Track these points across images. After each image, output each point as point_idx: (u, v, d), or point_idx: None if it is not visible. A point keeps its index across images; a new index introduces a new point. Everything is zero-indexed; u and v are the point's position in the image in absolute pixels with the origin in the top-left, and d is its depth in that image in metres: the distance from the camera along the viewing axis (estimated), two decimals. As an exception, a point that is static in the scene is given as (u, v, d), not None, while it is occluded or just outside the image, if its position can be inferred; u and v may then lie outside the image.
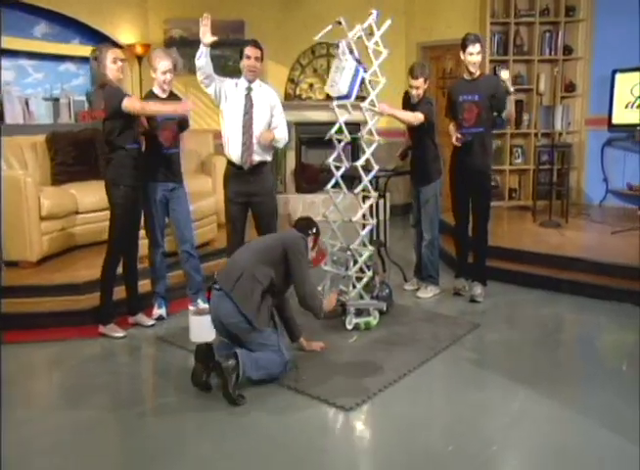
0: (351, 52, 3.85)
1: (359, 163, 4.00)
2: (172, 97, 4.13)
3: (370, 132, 4.07)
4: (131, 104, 3.68)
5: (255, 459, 2.59)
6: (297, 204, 7.62)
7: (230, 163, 4.02)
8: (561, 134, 6.94)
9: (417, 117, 4.42)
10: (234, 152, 3.98)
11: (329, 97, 4.13)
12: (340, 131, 4.08)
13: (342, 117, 4.08)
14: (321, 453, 2.65)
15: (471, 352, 3.72)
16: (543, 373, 3.40)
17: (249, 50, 3.92)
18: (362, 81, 3.89)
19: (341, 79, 3.80)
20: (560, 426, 2.83)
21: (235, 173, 4.00)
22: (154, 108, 3.79)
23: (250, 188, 3.99)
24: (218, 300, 3.18)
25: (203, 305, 4.14)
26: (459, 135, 4.44)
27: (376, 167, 4.05)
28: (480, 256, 4.65)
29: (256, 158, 3.99)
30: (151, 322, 4.14)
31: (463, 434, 2.77)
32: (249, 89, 3.99)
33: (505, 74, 4.44)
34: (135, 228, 3.98)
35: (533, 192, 6.70)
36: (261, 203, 4.08)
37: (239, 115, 3.93)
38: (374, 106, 4.06)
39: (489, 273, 4.74)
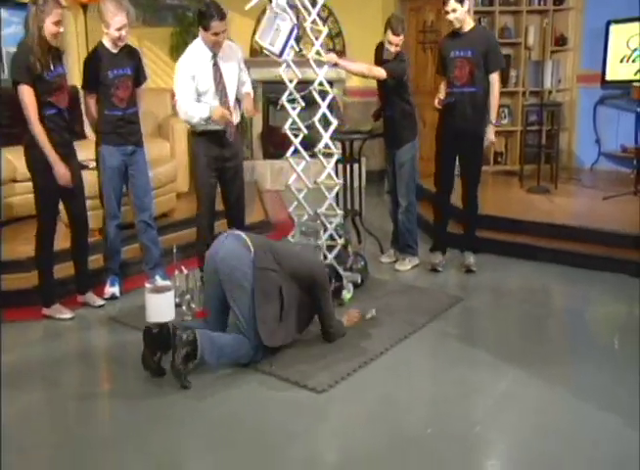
0: (292, 7, 3.83)
1: (316, 118, 3.95)
2: (126, 50, 4.01)
3: (321, 84, 3.99)
4: (21, 96, 3.47)
5: (219, 446, 2.54)
6: (264, 170, 7.55)
7: (204, 132, 3.97)
8: (550, 92, 6.88)
9: (374, 72, 4.34)
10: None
11: (300, 51, 4.07)
12: (293, 100, 4.07)
13: (294, 79, 4.06)
14: (290, 438, 2.62)
15: (453, 327, 3.71)
16: (532, 350, 3.39)
17: (217, 26, 3.77)
18: (296, 39, 3.93)
19: (277, 40, 3.83)
20: (550, 406, 2.82)
21: (210, 138, 3.97)
22: (32, 116, 3.49)
23: (224, 152, 4.02)
24: (232, 240, 3.16)
25: (161, 281, 4.04)
26: (441, 97, 4.40)
27: (334, 122, 3.99)
28: (471, 223, 4.66)
29: (235, 121, 4.05)
30: (101, 302, 4.04)
31: (445, 415, 2.75)
32: (214, 58, 3.91)
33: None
34: (72, 197, 3.81)
35: (520, 155, 6.69)
36: (234, 168, 4.12)
37: (210, 86, 3.90)
38: (320, 55, 4.03)
39: (477, 244, 4.72)
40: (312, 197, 4.18)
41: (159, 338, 3.07)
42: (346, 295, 4.00)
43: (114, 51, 3.95)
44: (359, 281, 4.12)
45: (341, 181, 4.21)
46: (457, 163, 4.58)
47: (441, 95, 4.46)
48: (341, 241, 4.07)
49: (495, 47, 4.37)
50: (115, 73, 3.93)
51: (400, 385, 3.05)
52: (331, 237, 4.06)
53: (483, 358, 3.27)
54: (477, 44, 4.30)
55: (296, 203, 4.22)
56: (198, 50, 3.90)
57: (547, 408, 2.81)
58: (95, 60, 3.93)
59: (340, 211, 4.11)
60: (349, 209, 4.85)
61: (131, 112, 4.05)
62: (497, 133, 7.06)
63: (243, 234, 3.21)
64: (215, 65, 3.91)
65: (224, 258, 3.12)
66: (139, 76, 4.11)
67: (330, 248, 4.04)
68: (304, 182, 4.18)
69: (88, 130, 4.86)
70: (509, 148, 7.27)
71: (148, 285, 4.00)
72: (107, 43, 3.94)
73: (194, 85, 3.88)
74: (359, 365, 3.18)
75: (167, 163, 5.35)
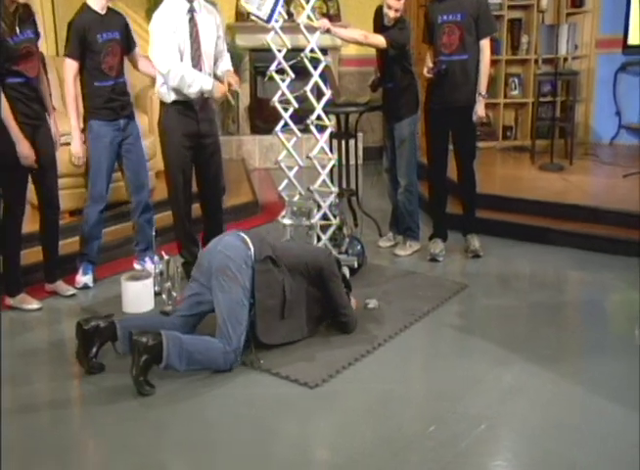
0: None
1: (307, 87, 3.94)
2: (112, 13, 4.00)
3: (313, 52, 3.99)
4: None
5: (202, 446, 2.56)
6: (252, 147, 7.53)
7: (175, 102, 3.92)
8: (566, 60, 6.88)
9: (371, 39, 4.29)
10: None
11: (290, 16, 4.07)
12: (282, 71, 4.04)
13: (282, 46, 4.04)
14: (280, 438, 2.64)
15: (457, 317, 3.73)
16: (541, 341, 3.42)
17: None
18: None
19: (264, 4, 3.83)
20: (561, 401, 2.86)
21: (183, 112, 3.92)
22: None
23: (201, 128, 3.97)
24: (231, 237, 3.25)
25: (150, 265, 4.09)
26: (431, 65, 4.38)
27: (328, 92, 3.99)
28: (470, 202, 4.67)
29: (207, 93, 3.96)
30: (72, 291, 4.03)
31: (447, 412, 2.78)
32: (191, 11, 3.84)
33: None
34: (42, 176, 3.79)
35: (532, 130, 6.69)
36: (212, 146, 4.08)
37: (186, 44, 3.82)
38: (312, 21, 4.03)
39: (479, 226, 4.74)
40: (305, 176, 4.18)
41: (93, 333, 3.07)
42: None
43: (102, 12, 3.91)
44: (355, 266, 4.13)
45: (335, 156, 4.22)
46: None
47: (430, 63, 4.42)
48: (335, 221, 4.08)
49: (487, 10, 4.34)
50: (105, 38, 3.88)
51: (400, 379, 3.08)
52: (324, 217, 4.07)
53: (489, 350, 3.31)
54: (467, 7, 4.25)
55: (286, 181, 4.22)
56: (174, 1, 3.81)
57: (558, 403, 2.84)
58: (82, 22, 3.87)
59: (334, 188, 4.13)
60: (345, 188, 4.85)
61: (122, 81, 4.03)
62: (507, 105, 7.20)
63: (242, 232, 3.27)
64: (192, 20, 3.81)
65: (221, 250, 3.16)
66: (128, 42, 4.07)
67: (324, 229, 4.06)
68: (295, 159, 4.19)
69: (58, 105, 4.84)
70: (519, 121, 7.28)
71: (137, 266, 4.11)
72: (93, 4, 3.89)
73: (176, 43, 3.77)
74: (355, 358, 3.20)
75: (146, 138, 5.31)
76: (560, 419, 2.72)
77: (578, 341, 3.48)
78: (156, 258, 4.00)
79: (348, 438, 2.64)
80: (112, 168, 4.11)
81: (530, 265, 4.52)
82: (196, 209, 4.27)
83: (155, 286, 3.88)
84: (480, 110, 4.40)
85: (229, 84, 3.89)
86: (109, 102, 3.99)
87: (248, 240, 3.20)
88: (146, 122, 5.66)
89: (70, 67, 3.92)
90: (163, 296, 3.77)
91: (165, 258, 3.85)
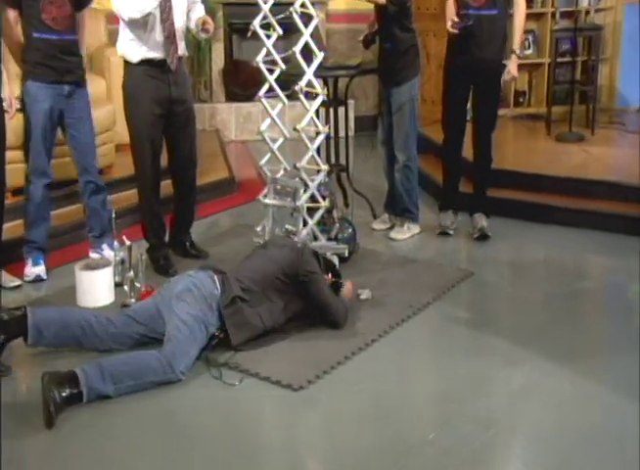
0: None
1: (297, 48, 3.94)
2: None
3: (303, 5, 3.97)
4: None
5: (166, 460, 2.57)
6: (227, 116, 7.49)
7: (143, 62, 3.92)
8: (588, 13, 6.87)
9: None
10: (154, 46, 3.89)
11: None
12: (267, 26, 4.04)
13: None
14: (258, 449, 2.65)
15: (461, 309, 3.76)
16: (557, 335, 3.45)
17: None
18: None
19: None
20: (578, 403, 2.88)
21: (151, 75, 3.93)
22: None
23: (172, 92, 3.99)
24: (203, 272, 3.37)
25: (108, 252, 4.08)
26: (455, 19, 4.38)
27: (320, 54, 3.99)
28: (483, 178, 4.72)
29: (180, 51, 4.00)
30: (17, 282, 4.00)
31: (451, 415, 2.80)
32: None
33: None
34: None
35: (548, 95, 6.68)
36: (185, 113, 4.10)
37: None
38: None
39: (489, 205, 4.77)
40: (289, 149, 4.18)
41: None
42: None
43: None
44: (346, 253, 4.15)
45: (327, 129, 4.23)
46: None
47: (455, 17, 4.41)
48: (325, 203, 4.08)
49: None
50: None
51: (396, 379, 3.09)
52: (312, 198, 4.07)
53: (498, 346, 3.33)
54: None
55: (269, 155, 4.20)
56: None
57: (575, 405, 2.86)
58: None
59: (324, 166, 4.13)
60: (334, 163, 4.84)
61: (70, 39, 3.98)
62: (519, 67, 7.14)
63: (212, 272, 3.35)
64: None
65: (191, 275, 3.32)
66: None
67: (311, 211, 4.06)
68: (281, 130, 4.17)
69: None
70: (534, 85, 7.27)
71: (93, 255, 4.12)
72: None
73: None
74: (345, 356, 3.21)
75: (103, 105, 5.29)
76: (578, 423, 2.75)
77: (599, 335, 3.51)
78: (116, 243, 3.99)
79: (339, 446, 2.65)
80: (52, 139, 4.06)
81: (545, 249, 4.55)
82: (164, 187, 4.27)
83: (115, 276, 3.87)
84: (513, 68, 4.47)
85: (204, 23, 3.91)
86: (49, 59, 3.91)
87: (217, 281, 3.29)
88: (103, 87, 5.62)
89: (8, 15, 3.87)
90: (125, 287, 3.76)
91: (127, 243, 3.84)
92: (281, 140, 4.23)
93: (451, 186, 4.81)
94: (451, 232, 4.69)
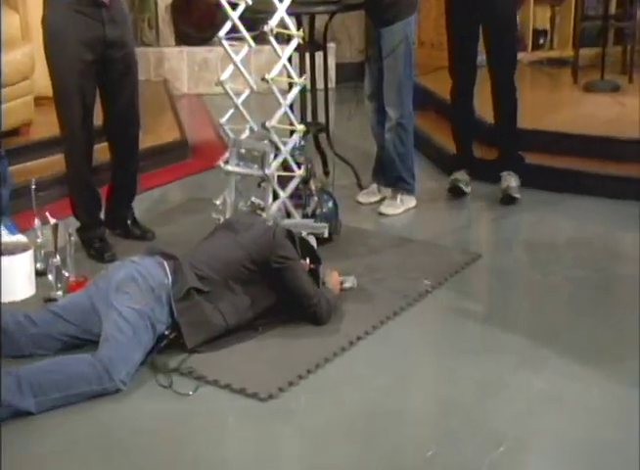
0: None
1: None
2: None
3: None
4: None
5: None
6: (178, 63, 7.46)
7: None
8: None
9: None
10: None
11: None
12: None
13: None
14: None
15: (467, 299, 3.79)
16: (584, 331, 3.47)
17: None
18: None
19: None
20: (610, 413, 2.90)
21: (79, 10, 3.89)
22: None
23: (107, 33, 3.96)
24: (150, 259, 3.35)
25: (7, 236, 4.05)
26: None
27: None
28: (510, 130, 4.81)
29: None
30: None
31: (454, 429, 2.81)
32: None
33: None
34: None
35: (575, 34, 6.71)
36: (123, 60, 4.08)
37: None
38: None
39: (520, 165, 4.84)
40: (256, 104, 4.15)
41: None
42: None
43: None
44: (326, 233, 4.13)
45: (304, 79, 4.23)
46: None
47: None
48: (300, 172, 4.08)
49: None
50: None
51: (388, 386, 3.09)
52: (284, 165, 4.07)
53: (512, 344, 3.35)
54: None
55: (231, 112, 4.19)
56: None
57: (606, 415, 2.88)
58: None
59: (299, 126, 4.12)
60: (311, 122, 4.84)
61: None
62: (538, 2, 7.16)
63: (161, 258, 3.35)
64: None
65: (136, 262, 3.32)
66: None
67: (283, 181, 4.06)
68: (246, 80, 4.16)
69: None
70: (557, 22, 7.30)
71: None
72: None
73: None
74: (325, 358, 3.21)
75: (17, 47, 5.25)
76: (608, 436, 2.76)
77: (634, 332, 3.53)
78: (37, 222, 3.97)
79: (314, 468, 2.66)
80: None
81: (571, 226, 4.59)
82: (98, 151, 4.26)
83: (37, 263, 3.87)
84: None
85: None
86: None
87: (167, 268, 3.30)
88: (16, 24, 5.57)
89: None
90: (49, 277, 3.74)
91: (52, 222, 3.82)
92: (246, 93, 4.22)
93: (463, 143, 4.90)
94: (466, 189, 4.79)
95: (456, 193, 4.86)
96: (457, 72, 4.78)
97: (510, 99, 4.75)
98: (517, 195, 4.73)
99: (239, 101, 4.23)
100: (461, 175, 4.89)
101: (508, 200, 4.73)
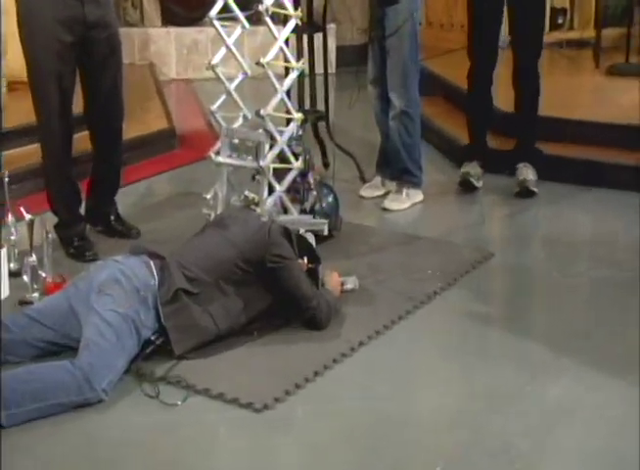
0: None
1: None
2: None
3: None
4: None
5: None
6: (166, 46, 7.47)
7: None
8: None
9: None
10: None
11: None
12: None
13: None
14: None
15: (479, 301, 3.78)
16: (606, 336, 3.45)
17: None
18: None
19: None
20: (634, 427, 2.87)
21: None
22: None
23: (87, 12, 3.97)
24: (135, 258, 3.36)
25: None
26: None
27: None
28: (530, 119, 4.85)
29: None
30: None
31: (462, 445, 2.80)
32: None
33: None
34: None
35: (597, 13, 6.71)
36: (106, 42, 4.09)
37: None
38: None
39: (538, 156, 4.87)
40: (250, 90, 4.14)
41: None
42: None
43: None
44: (326, 230, 4.16)
45: (302, 63, 4.24)
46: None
47: None
48: (297, 164, 4.08)
49: None
50: None
51: (391, 396, 3.08)
52: (281, 156, 4.08)
53: (527, 351, 3.34)
54: None
55: (223, 98, 4.20)
56: None
57: (629, 430, 2.85)
58: None
59: (297, 115, 4.13)
60: (310, 110, 4.85)
61: None
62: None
63: (147, 257, 3.34)
64: None
65: (120, 262, 3.30)
66: None
67: (279, 174, 4.06)
68: (239, 64, 4.17)
69: None
70: (577, 1, 7.32)
71: None
72: None
73: None
74: (324, 365, 3.20)
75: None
76: (633, 451, 2.73)
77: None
78: (10, 217, 3.96)
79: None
80: None
81: (593, 221, 4.61)
82: (79, 141, 4.26)
83: (10, 262, 3.86)
84: None
85: None
86: None
87: (153, 268, 3.30)
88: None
89: None
90: (25, 277, 3.72)
91: (27, 217, 3.81)
92: (239, 78, 4.22)
93: (477, 133, 4.92)
94: (477, 184, 4.80)
95: (467, 187, 4.87)
96: (476, 54, 4.80)
97: (532, 86, 4.78)
98: (534, 188, 4.74)
99: (231, 86, 4.22)
100: (472, 168, 4.88)
101: (525, 193, 4.74)
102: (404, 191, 4.76)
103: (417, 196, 4.78)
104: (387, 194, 4.84)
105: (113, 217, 4.35)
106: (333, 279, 3.70)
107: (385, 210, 4.73)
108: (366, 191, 4.93)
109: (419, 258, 4.14)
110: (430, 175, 4.86)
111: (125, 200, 4.61)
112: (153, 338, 3.22)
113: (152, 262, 3.30)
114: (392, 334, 3.48)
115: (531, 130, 4.88)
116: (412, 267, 4.03)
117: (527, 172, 4.79)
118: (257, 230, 3.47)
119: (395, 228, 4.51)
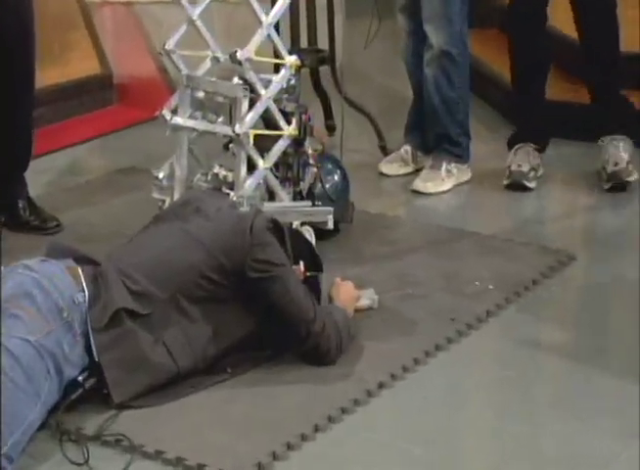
0: None
1: None
2: None
3: None
4: None
5: None
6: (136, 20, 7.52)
7: None
8: None
9: None
10: None
11: None
12: None
13: None
14: None
15: (547, 324, 3.85)
16: None
17: None
18: None
19: None
20: None
21: None
22: None
23: None
24: (54, 266, 3.35)
25: None
26: None
27: None
28: (612, 78, 4.88)
29: None
30: None
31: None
32: None
33: None
34: None
35: None
36: None
37: None
38: None
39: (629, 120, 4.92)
40: (223, 21, 4.13)
41: None
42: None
43: None
44: (331, 224, 4.19)
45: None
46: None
47: None
48: (290, 128, 4.14)
49: None
50: None
51: (422, 458, 3.08)
52: (265, 117, 4.14)
53: (611, 396, 3.36)
54: None
55: (183, 30, 4.20)
56: None
57: None
58: None
59: (289, 57, 4.17)
60: (307, 49, 4.96)
61: None
62: None
63: (74, 264, 3.36)
64: None
65: (35, 271, 3.28)
66: None
67: (264, 143, 4.11)
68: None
69: None
70: None
71: None
72: None
73: None
74: (330, 416, 3.21)
75: None
76: None
77: None
78: None
79: None
80: None
81: None
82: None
83: None
84: None
85: None
86: None
87: (82, 278, 3.33)
88: None
89: None
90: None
91: None
92: (205, 3, 4.24)
93: (530, 93, 4.93)
94: (531, 185, 4.79)
95: (518, 189, 4.82)
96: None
97: (612, 43, 4.82)
98: (630, 178, 4.75)
99: (195, 13, 4.22)
100: (524, 159, 4.84)
101: (618, 187, 4.73)
102: (444, 166, 4.81)
103: (462, 174, 4.85)
104: (418, 171, 4.90)
105: (21, 204, 4.38)
106: (344, 292, 3.74)
107: (416, 192, 4.78)
108: (389, 167, 5.00)
109: (464, 263, 4.20)
110: (479, 145, 4.92)
111: (39, 178, 4.67)
112: (81, 379, 3.23)
113: (79, 270, 3.33)
114: (425, 372, 3.50)
115: (612, 78, 4.90)
116: (455, 276, 4.08)
117: (618, 151, 4.78)
118: (234, 224, 3.49)
119: (431, 220, 4.57)
